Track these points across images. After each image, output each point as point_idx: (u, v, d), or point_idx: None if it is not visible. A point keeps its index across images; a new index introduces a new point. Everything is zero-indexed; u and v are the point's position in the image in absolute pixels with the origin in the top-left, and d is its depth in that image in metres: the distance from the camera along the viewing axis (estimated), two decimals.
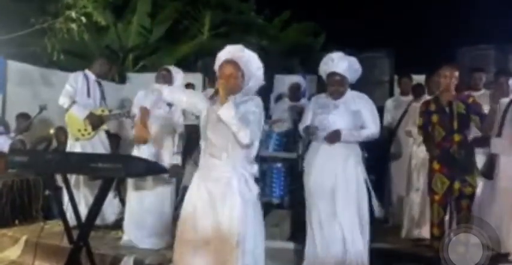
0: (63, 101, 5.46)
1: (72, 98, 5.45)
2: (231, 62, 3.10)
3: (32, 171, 4.97)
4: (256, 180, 3.18)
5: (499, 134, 4.56)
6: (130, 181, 4.95)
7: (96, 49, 10.76)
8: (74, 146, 5.53)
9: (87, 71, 5.68)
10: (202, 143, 3.16)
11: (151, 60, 11.34)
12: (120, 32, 11.16)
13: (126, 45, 11.27)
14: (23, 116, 6.74)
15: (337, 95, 4.13)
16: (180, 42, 12.07)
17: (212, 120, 3.06)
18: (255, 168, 3.18)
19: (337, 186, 4.01)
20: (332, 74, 4.10)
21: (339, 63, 4.07)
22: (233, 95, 3.06)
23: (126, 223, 4.91)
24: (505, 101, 4.69)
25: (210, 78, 4.72)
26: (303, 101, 6.25)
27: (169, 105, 4.85)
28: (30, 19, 7.37)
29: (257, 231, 3.08)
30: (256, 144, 3.15)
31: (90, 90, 5.57)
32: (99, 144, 5.59)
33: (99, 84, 5.74)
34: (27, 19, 7.46)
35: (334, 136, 4.00)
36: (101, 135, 5.66)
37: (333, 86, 4.12)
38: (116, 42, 11.17)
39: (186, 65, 11.50)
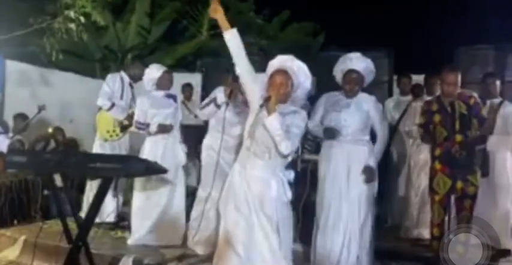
0: (103, 103, 5.56)
1: (111, 100, 5.57)
2: (282, 71, 3.24)
3: (30, 171, 4.96)
4: (290, 185, 3.32)
5: (490, 133, 4.63)
6: (137, 182, 4.97)
7: (95, 49, 10.75)
8: (103, 146, 5.65)
9: (122, 73, 5.78)
10: (247, 141, 3.24)
11: (150, 60, 11.28)
12: (119, 31, 11.14)
13: (125, 45, 11.25)
14: (20, 116, 6.73)
15: (353, 93, 4.16)
16: (179, 42, 12.06)
17: (261, 122, 3.16)
18: (292, 175, 3.33)
19: (350, 185, 4.06)
20: (350, 71, 4.13)
21: (358, 61, 4.14)
22: (282, 103, 3.20)
23: (134, 223, 4.94)
24: (495, 101, 4.78)
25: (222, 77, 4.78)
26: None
27: (175, 102, 5.14)
28: (29, 19, 7.36)
29: (289, 231, 3.32)
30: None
31: (123, 92, 5.68)
32: (123, 145, 5.76)
33: (131, 86, 5.82)
34: (26, 19, 7.45)
35: (371, 175, 4.05)
36: (126, 137, 5.80)
37: (350, 84, 4.14)
38: (115, 42, 11.15)
39: (185, 65, 11.53)
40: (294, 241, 4.76)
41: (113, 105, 5.55)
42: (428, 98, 4.92)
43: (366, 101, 4.17)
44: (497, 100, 4.84)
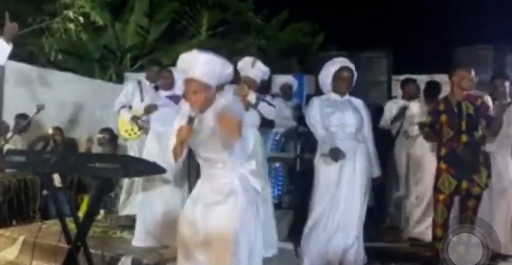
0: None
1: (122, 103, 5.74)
2: (189, 79, 2.91)
3: (30, 171, 4.95)
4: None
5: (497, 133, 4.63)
6: (141, 184, 4.96)
7: (94, 49, 10.75)
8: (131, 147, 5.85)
9: (142, 79, 5.86)
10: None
11: (149, 60, 11.34)
12: (117, 31, 11.14)
13: (124, 45, 11.25)
14: (22, 117, 6.72)
15: (345, 92, 4.25)
16: (178, 42, 12.05)
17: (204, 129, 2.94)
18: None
19: (345, 182, 4.12)
20: (343, 69, 4.21)
21: (348, 62, 4.26)
22: (207, 107, 2.92)
23: (137, 224, 4.93)
24: (503, 102, 4.71)
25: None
26: (294, 100, 6.46)
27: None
28: (27, 19, 7.36)
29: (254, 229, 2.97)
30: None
31: (143, 95, 5.68)
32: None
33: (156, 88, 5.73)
34: (24, 19, 7.44)
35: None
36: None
37: (344, 82, 4.21)
38: (114, 42, 11.15)
39: None
40: (286, 240, 4.83)
41: (122, 107, 5.72)
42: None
43: (357, 103, 4.31)
44: (505, 101, 4.78)
